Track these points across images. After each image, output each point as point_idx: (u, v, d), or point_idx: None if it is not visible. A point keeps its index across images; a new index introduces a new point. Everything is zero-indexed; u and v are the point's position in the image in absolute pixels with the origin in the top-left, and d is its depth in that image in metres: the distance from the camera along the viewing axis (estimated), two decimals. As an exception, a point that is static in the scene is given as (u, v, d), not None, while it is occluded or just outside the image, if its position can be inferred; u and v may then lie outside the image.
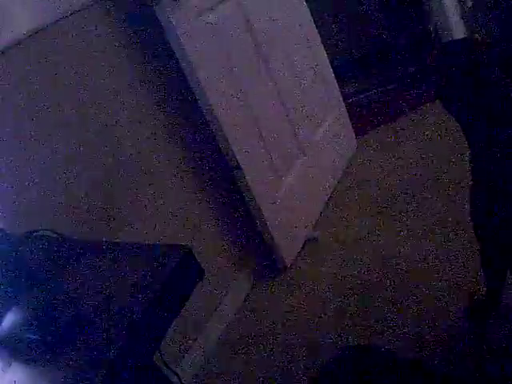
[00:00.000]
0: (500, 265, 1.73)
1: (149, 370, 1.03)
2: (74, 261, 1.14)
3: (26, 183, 1.66)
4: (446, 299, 2.00)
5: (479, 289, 1.87)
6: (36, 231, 1.37)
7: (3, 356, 1.00)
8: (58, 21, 1.81)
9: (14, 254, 1.23)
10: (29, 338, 1.02)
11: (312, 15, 3.12)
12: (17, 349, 1.02)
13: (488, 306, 1.86)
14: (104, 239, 1.36)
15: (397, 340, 1.93)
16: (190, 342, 2.19)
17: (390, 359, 1.50)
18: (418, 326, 1.95)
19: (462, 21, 3.39)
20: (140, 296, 0.93)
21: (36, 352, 0.99)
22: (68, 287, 1.06)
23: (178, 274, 0.95)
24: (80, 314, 0.97)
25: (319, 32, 3.16)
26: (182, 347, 2.15)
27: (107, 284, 1.01)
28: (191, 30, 2.16)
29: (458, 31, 3.38)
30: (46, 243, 1.32)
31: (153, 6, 2.07)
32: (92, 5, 1.94)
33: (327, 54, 3.22)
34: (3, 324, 1.06)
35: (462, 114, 1.52)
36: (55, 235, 1.32)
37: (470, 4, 3.34)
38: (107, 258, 1.08)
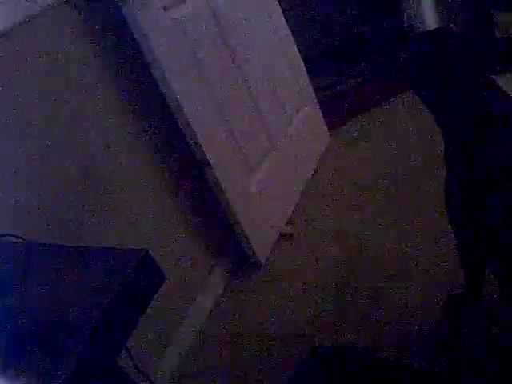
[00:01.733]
0: (477, 260, 1.72)
1: (113, 376, 1.00)
2: (32, 266, 1.11)
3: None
4: (426, 293, 2.00)
5: (459, 282, 1.87)
6: (-3, 236, 1.34)
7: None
8: (24, 22, 1.77)
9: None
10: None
11: (282, 7, 3.10)
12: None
13: (467, 299, 1.86)
14: (66, 243, 1.33)
15: (375, 337, 1.92)
16: (165, 344, 2.16)
17: (366, 358, 1.49)
18: (397, 322, 1.94)
19: (436, 10, 3.39)
20: (97, 301, 0.90)
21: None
22: (25, 293, 1.04)
23: (135, 277, 0.92)
24: (37, 321, 0.95)
25: (290, 24, 3.15)
26: (157, 350, 2.12)
27: (65, 289, 0.98)
28: (157, 26, 2.13)
29: (432, 21, 3.39)
30: (7, 248, 1.29)
31: (119, 2, 2.04)
32: (59, 5, 1.90)
33: (298, 46, 3.21)
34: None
35: (432, 106, 1.51)
36: (15, 239, 1.29)
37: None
38: (65, 263, 1.05)
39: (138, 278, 0.93)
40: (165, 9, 2.20)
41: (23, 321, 0.97)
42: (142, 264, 0.94)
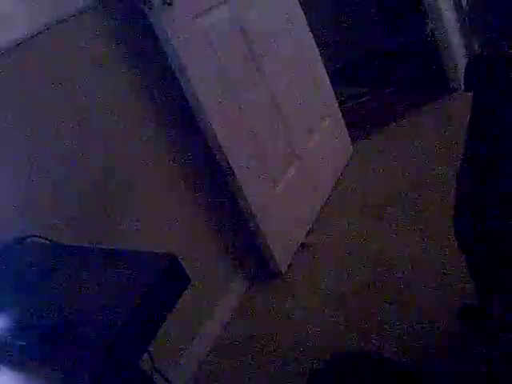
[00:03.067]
0: (487, 276, 1.72)
1: (135, 376, 1.03)
2: (61, 267, 1.14)
3: (16, 190, 1.65)
4: (442, 305, 2.00)
5: (472, 294, 1.87)
6: (25, 237, 1.37)
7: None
8: (52, 26, 1.81)
9: (2, 259, 1.23)
10: (16, 343, 1.02)
11: (308, 19, 3.12)
12: (5, 354, 1.02)
13: (480, 311, 1.86)
14: (92, 245, 1.36)
15: (393, 345, 1.93)
16: (184, 347, 2.19)
17: (382, 366, 1.50)
18: (415, 331, 1.95)
19: (459, 23, 3.39)
20: (123, 303, 0.93)
21: (23, 358, 0.99)
22: (55, 293, 1.06)
23: (162, 281, 0.95)
24: (65, 319, 0.97)
25: (315, 36, 3.16)
26: (176, 353, 2.14)
27: (92, 290, 1.01)
28: (184, 35, 2.16)
29: (455, 33, 3.39)
30: (35, 249, 1.32)
31: (146, 10, 2.07)
32: (86, 10, 1.94)
33: (322, 57, 3.23)
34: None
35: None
36: (44, 241, 1.32)
37: (464, 5, 3.35)
38: (93, 265, 1.08)
39: (165, 282, 0.95)
40: (191, 17, 2.23)
41: (50, 318, 1.00)
42: (169, 268, 0.96)
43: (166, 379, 1.43)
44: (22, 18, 1.73)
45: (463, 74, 1.47)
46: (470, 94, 1.46)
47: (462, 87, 1.54)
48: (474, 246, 1.60)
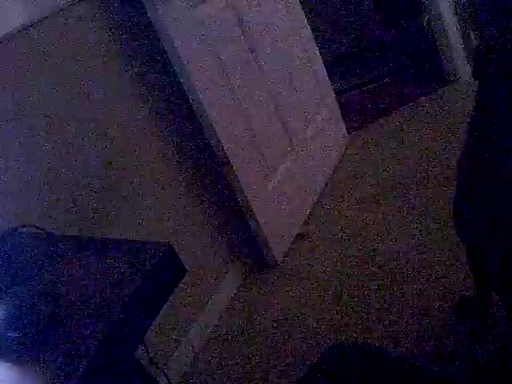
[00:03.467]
0: (485, 268, 1.72)
1: (130, 367, 1.02)
2: (55, 257, 1.13)
3: (10, 179, 1.64)
4: (439, 296, 2.00)
5: (469, 287, 1.87)
6: (20, 227, 1.36)
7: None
8: (48, 16, 1.79)
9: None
10: (9, 335, 1.00)
11: (304, 10, 3.10)
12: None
13: (478, 304, 1.86)
14: (88, 236, 1.35)
15: (389, 337, 1.93)
16: (180, 338, 2.18)
17: (380, 357, 1.49)
18: (411, 323, 1.95)
19: (456, 15, 3.38)
20: (119, 293, 0.92)
21: (16, 350, 0.98)
22: (49, 283, 1.05)
23: (157, 270, 0.94)
24: (59, 310, 0.96)
25: (312, 27, 3.15)
26: (171, 344, 2.13)
27: (87, 280, 1.00)
28: (181, 25, 2.14)
29: (452, 26, 3.38)
30: (30, 239, 1.31)
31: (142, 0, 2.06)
32: (81, 0, 1.92)
33: (320, 49, 3.21)
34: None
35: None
36: (39, 231, 1.31)
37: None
38: (88, 255, 1.07)
39: (160, 272, 0.94)
40: (188, 7, 2.21)
41: (44, 309, 0.99)
42: (165, 257, 0.95)
43: (163, 371, 1.42)
44: (18, 8, 1.71)
45: (473, 63, 1.45)
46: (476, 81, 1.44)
47: (459, 78, 1.53)
48: (474, 239, 1.58)
